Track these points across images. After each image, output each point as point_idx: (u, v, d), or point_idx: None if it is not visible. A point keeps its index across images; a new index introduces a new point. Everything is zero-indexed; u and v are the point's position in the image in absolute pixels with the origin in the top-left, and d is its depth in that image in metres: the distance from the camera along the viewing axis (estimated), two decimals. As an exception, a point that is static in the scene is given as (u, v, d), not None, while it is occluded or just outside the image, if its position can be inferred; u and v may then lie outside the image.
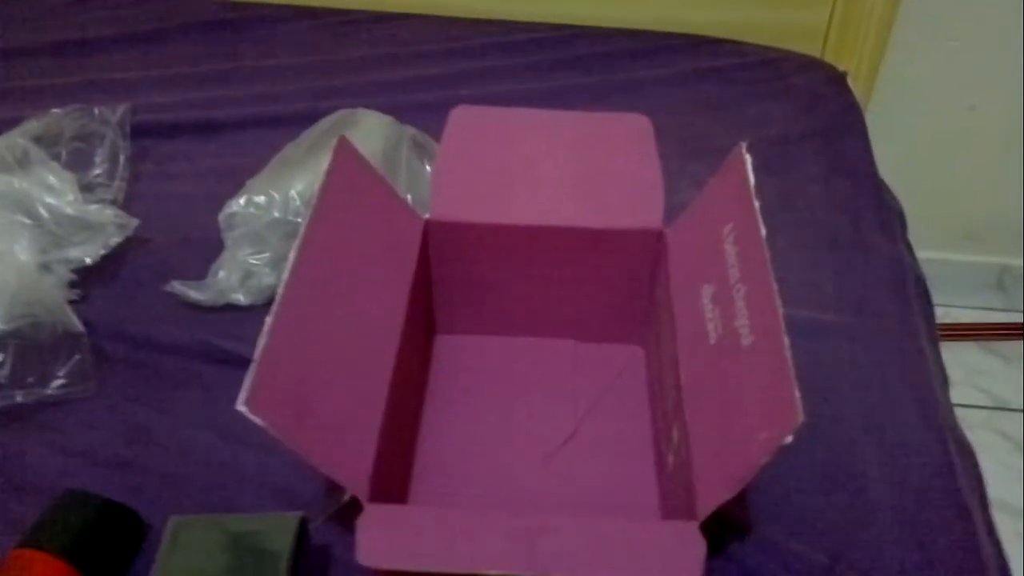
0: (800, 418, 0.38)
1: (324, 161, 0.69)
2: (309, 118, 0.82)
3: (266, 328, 0.44)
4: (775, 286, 0.45)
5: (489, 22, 1.08)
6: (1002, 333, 1.32)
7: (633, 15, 1.09)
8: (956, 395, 0.72)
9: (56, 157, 0.76)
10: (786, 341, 0.42)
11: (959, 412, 0.68)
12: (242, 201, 0.68)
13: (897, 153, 1.03)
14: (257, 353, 0.43)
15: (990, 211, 1.29)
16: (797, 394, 0.40)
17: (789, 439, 0.39)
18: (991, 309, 1.36)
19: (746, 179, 0.52)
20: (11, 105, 0.92)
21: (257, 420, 0.40)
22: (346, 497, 0.50)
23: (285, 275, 0.47)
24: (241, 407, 0.40)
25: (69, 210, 0.69)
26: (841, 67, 1.06)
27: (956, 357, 1.30)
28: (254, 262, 0.67)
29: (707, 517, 0.43)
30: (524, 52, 1.03)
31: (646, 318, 0.65)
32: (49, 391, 0.61)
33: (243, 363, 0.63)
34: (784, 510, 0.56)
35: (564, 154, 0.64)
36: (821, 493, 0.57)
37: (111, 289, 0.71)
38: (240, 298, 0.68)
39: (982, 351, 1.31)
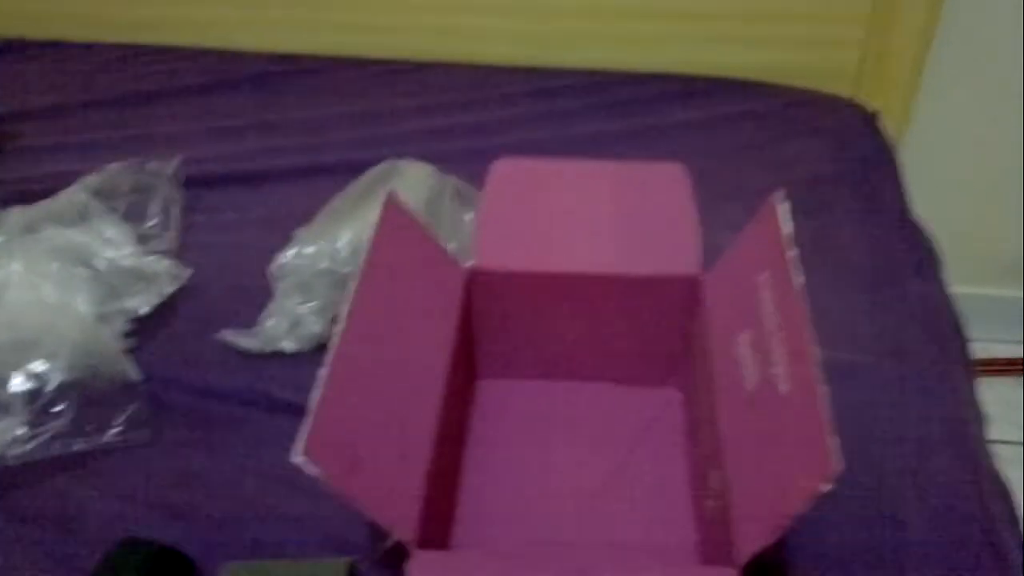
0: (838, 467, 0.39)
1: (370, 212, 0.71)
2: (352, 167, 0.85)
3: (320, 380, 0.46)
4: (811, 336, 0.46)
5: (526, 70, 1.11)
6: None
7: (663, 59, 1.11)
8: (994, 431, 0.72)
9: (114, 210, 0.79)
10: (823, 390, 0.43)
11: (998, 448, 0.68)
12: (292, 252, 0.70)
13: (932, 190, 1.04)
14: (311, 404, 0.44)
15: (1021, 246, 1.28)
16: (834, 443, 0.40)
17: (827, 488, 0.40)
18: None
19: (781, 228, 0.53)
20: (68, 159, 0.96)
21: (312, 470, 0.42)
22: (391, 542, 0.51)
23: (338, 327, 0.49)
24: (297, 458, 0.42)
25: (127, 262, 0.72)
26: (873, 107, 1.07)
27: (994, 393, 1.28)
28: (302, 311, 0.70)
29: (746, 562, 0.44)
30: (560, 99, 1.06)
31: (683, 362, 0.66)
32: (107, 439, 0.64)
33: (291, 409, 0.67)
34: (821, 552, 0.57)
35: (602, 203, 0.66)
36: (858, 535, 0.57)
37: (165, 338, 0.73)
38: (288, 345, 0.70)
39: (1019, 386, 1.30)
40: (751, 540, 0.43)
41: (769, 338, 0.50)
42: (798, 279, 0.50)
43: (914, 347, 0.72)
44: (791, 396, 0.46)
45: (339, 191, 0.81)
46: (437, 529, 0.54)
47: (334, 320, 0.71)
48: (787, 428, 0.45)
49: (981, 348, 1.18)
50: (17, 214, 0.77)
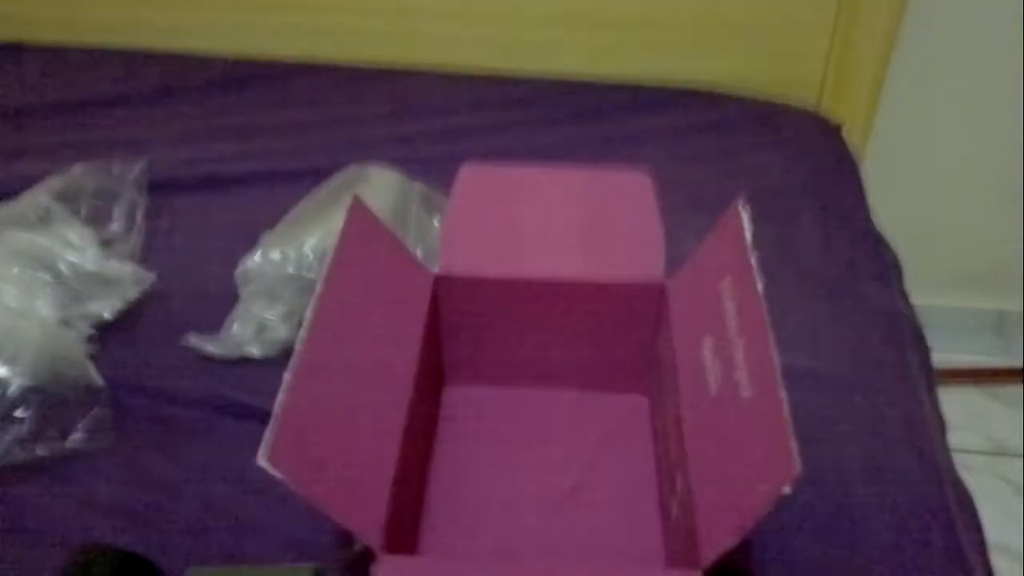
0: (798, 469, 0.40)
1: (336, 217, 0.71)
2: (319, 173, 0.85)
3: (284, 384, 0.46)
4: (772, 340, 0.47)
5: (494, 77, 1.11)
6: (1003, 378, 1.34)
7: (631, 69, 1.12)
8: (958, 439, 0.74)
9: (76, 213, 0.78)
10: (784, 394, 0.44)
11: (961, 457, 0.70)
12: (257, 257, 0.70)
13: (895, 202, 1.06)
14: (276, 409, 0.44)
15: (989, 257, 1.31)
16: (795, 446, 0.41)
17: (788, 490, 0.40)
18: (992, 355, 1.37)
19: (743, 235, 0.54)
20: (30, 161, 0.95)
21: (277, 474, 0.42)
22: (358, 547, 0.51)
23: (302, 332, 0.49)
24: (262, 462, 0.42)
25: (89, 266, 0.72)
26: (836, 119, 1.09)
27: (958, 401, 1.31)
28: (268, 316, 0.70)
29: (710, 565, 0.44)
30: (527, 106, 1.06)
31: (649, 368, 0.67)
32: (69, 444, 0.63)
33: (256, 415, 0.66)
34: (784, 557, 0.57)
35: (568, 210, 0.67)
36: (820, 540, 0.58)
37: (129, 343, 0.73)
38: (254, 351, 0.70)
39: (984, 395, 1.33)
40: (714, 543, 0.44)
41: (731, 343, 0.51)
42: (759, 284, 0.50)
43: (874, 354, 0.74)
44: (753, 400, 0.47)
45: (305, 196, 0.81)
46: (404, 534, 0.54)
47: (300, 326, 0.71)
48: (749, 432, 0.46)
49: (944, 358, 1.21)
50: (-23, 218, 0.76)
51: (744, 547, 0.57)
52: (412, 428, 0.55)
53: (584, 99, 1.08)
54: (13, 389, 0.62)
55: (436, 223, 0.77)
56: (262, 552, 0.58)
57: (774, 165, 0.98)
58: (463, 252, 0.64)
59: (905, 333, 0.77)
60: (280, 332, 0.70)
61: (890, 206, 0.99)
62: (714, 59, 1.12)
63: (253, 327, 0.70)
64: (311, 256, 0.70)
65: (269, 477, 0.42)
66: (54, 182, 0.82)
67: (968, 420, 1.27)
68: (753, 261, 0.52)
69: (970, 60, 1.13)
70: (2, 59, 1.16)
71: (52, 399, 0.63)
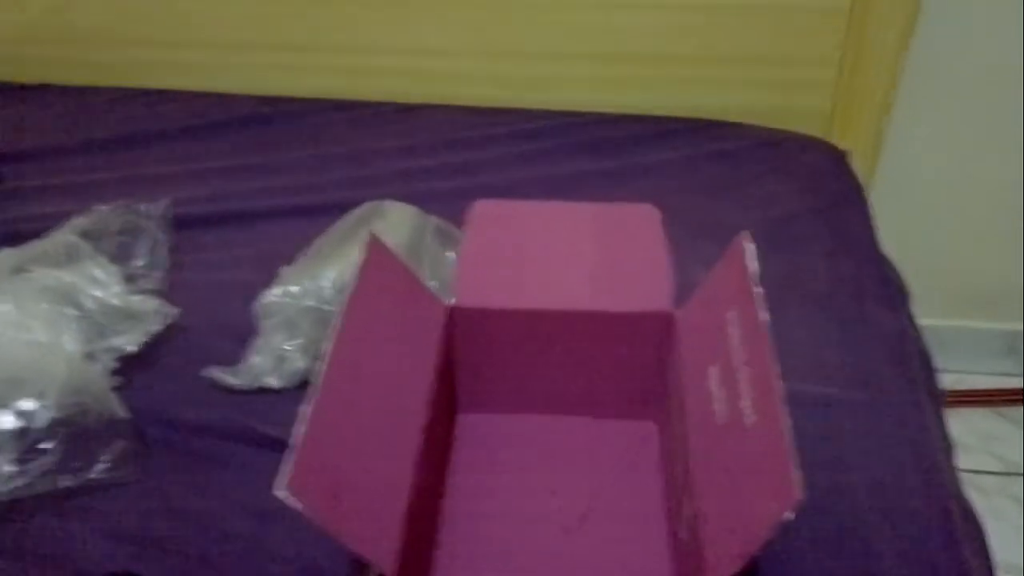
0: (800, 496, 0.41)
1: (353, 251, 0.73)
2: (337, 208, 0.87)
3: (302, 416, 0.47)
4: (776, 369, 0.48)
5: (506, 111, 1.14)
6: (1014, 399, 1.33)
7: (640, 101, 1.14)
8: (969, 461, 0.74)
9: (102, 250, 0.81)
10: (786, 422, 0.45)
11: (972, 478, 0.70)
12: (277, 290, 0.72)
13: (904, 226, 1.07)
14: (294, 439, 0.46)
15: (999, 279, 1.31)
16: (796, 473, 0.42)
17: (791, 516, 0.42)
18: (1004, 375, 1.37)
19: (747, 267, 0.55)
20: (58, 200, 0.97)
21: (294, 504, 0.43)
22: (373, 574, 0.53)
23: (321, 365, 0.50)
24: (279, 492, 0.43)
25: (114, 301, 0.74)
26: (844, 146, 1.10)
27: (969, 424, 1.31)
28: (287, 348, 0.71)
29: (717, 590, 0.45)
30: (538, 139, 1.08)
31: (658, 395, 0.68)
32: (94, 475, 0.65)
33: (276, 444, 0.68)
34: (793, 579, 0.58)
35: (579, 242, 0.68)
36: (828, 564, 0.59)
37: (152, 375, 0.75)
38: (273, 382, 0.72)
39: (995, 417, 1.32)
40: (720, 569, 0.45)
41: (736, 372, 0.52)
42: (764, 316, 0.52)
43: (883, 378, 0.74)
44: (756, 428, 0.48)
45: (324, 230, 0.83)
46: (417, 561, 0.55)
47: (318, 357, 0.73)
48: (753, 459, 0.47)
49: (956, 379, 1.21)
50: (6, 255, 0.78)
51: (752, 569, 0.58)
52: (426, 456, 0.56)
53: (594, 131, 1.10)
54: (39, 422, 0.64)
55: (450, 256, 0.79)
56: (281, 579, 0.59)
57: (782, 193, 0.99)
58: (476, 284, 0.66)
59: (912, 356, 0.78)
60: (299, 363, 0.71)
61: (899, 230, 1.00)
62: (722, 90, 1.13)
63: (272, 359, 0.71)
64: (330, 289, 0.72)
65: (286, 505, 0.44)
66: (80, 220, 0.84)
67: (979, 441, 1.27)
68: (757, 292, 0.53)
69: (976, 86, 1.14)
70: (28, 100, 1.20)
71: (77, 431, 0.65)
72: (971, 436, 1.25)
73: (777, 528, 0.42)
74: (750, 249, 0.56)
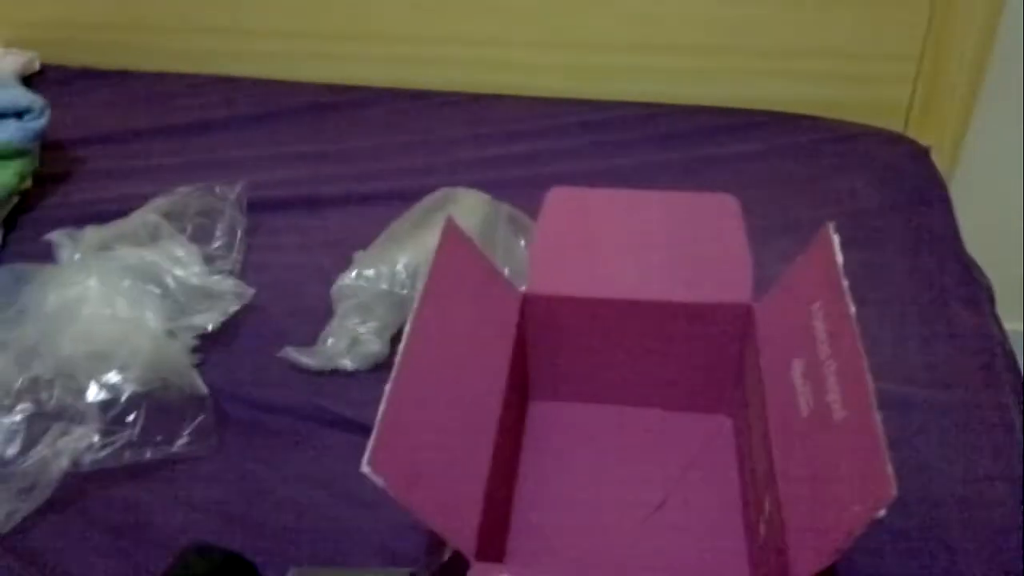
0: (894, 493, 0.40)
1: (427, 237, 0.74)
2: (407, 195, 0.88)
3: (384, 396, 0.48)
4: (866, 363, 0.47)
5: (578, 102, 1.13)
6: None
7: (715, 92, 1.12)
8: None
9: (182, 231, 0.82)
10: (878, 417, 0.44)
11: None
12: (353, 274, 0.73)
13: (982, 225, 1.03)
14: (377, 419, 0.46)
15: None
16: (890, 469, 0.41)
17: (882, 513, 0.40)
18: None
19: (834, 258, 0.54)
20: (136, 182, 1.00)
21: (378, 481, 0.44)
22: (447, 555, 0.53)
23: (401, 345, 0.51)
24: (365, 469, 0.43)
25: (194, 280, 0.75)
26: (924, 142, 1.07)
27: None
28: (362, 331, 0.72)
29: (801, 587, 0.44)
30: (610, 130, 1.07)
31: (734, 389, 0.67)
32: (175, 448, 0.66)
33: (349, 425, 0.69)
34: (873, 582, 0.57)
35: (655, 231, 0.68)
36: (908, 566, 0.58)
37: (228, 354, 0.76)
38: (347, 364, 0.72)
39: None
40: (806, 565, 0.44)
41: (822, 366, 0.51)
42: (851, 308, 0.51)
43: (966, 381, 0.72)
44: (846, 422, 0.47)
45: (394, 217, 0.84)
46: (493, 544, 0.55)
47: (392, 340, 0.74)
48: (842, 454, 0.46)
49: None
50: (92, 233, 0.80)
51: (830, 570, 0.57)
52: (501, 441, 0.56)
53: (666, 123, 1.09)
54: (124, 395, 0.65)
55: (522, 244, 0.79)
56: (353, 556, 0.60)
57: (861, 189, 0.97)
58: (550, 272, 0.65)
59: (999, 360, 0.75)
60: (373, 346, 0.72)
61: (981, 229, 0.97)
62: (799, 83, 1.11)
63: (347, 341, 0.72)
64: (404, 274, 0.72)
65: (361, 484, 0.44)
66: (160, 202, 0.86)
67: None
68: (844, 284, 0.52)
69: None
70: (110, 85, 1.23)
71: (159, 405, 0.66)
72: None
73: (867, 525, 0.41)
74: (836, 240, 0.55)
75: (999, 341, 0.78)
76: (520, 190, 0.88)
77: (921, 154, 1.04)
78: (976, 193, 1.16)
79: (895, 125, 1.10)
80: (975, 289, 0.83)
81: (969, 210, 0.99)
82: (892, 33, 1.06)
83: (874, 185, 0.97)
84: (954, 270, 0.85)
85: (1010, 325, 0.84)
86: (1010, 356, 0.79)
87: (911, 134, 1.10)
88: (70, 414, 0.64)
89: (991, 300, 0.85)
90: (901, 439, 0.65)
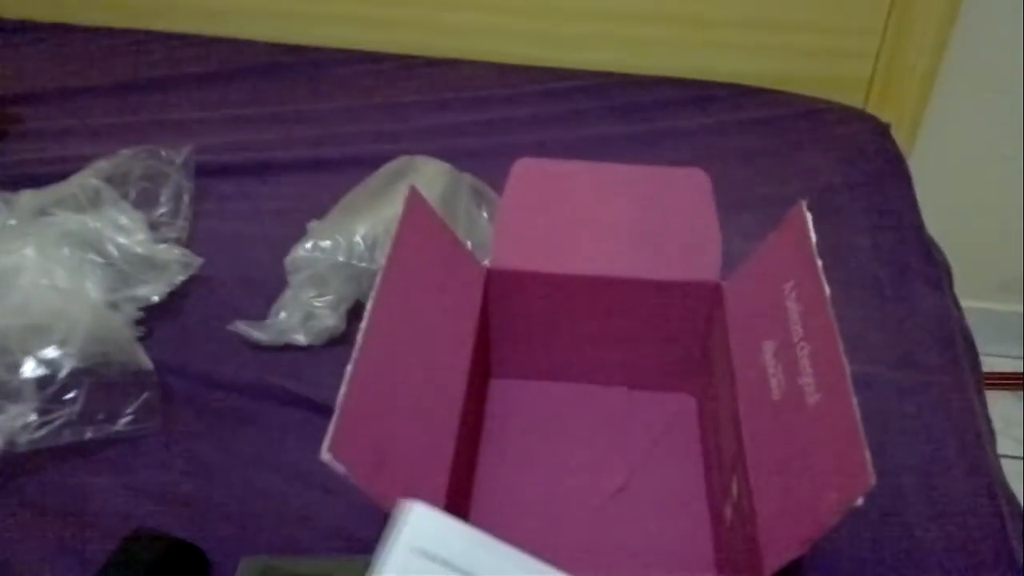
0: (872, 481, 0.39)
1: (386, 208, 0.71)
2: (364, 162, 0.85)
3: (346, 377, 0.45)
4: (841, 346, 0.46)
5: (540, 69, 1.11)
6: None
7: (677, 64, 1.11)
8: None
9: (125, 196, 0.78)
10: (854, 402, 0.43)
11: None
12: (309, 245, 0.70)
13: (936, 203, 1.04)
14: (338, 402, 0.44)
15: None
16: (868, 456, 0.40)
17: (860, 501, 0.40)
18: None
19: (807, 237, 0.53)
20: (76, 143, 0.95)
21: (340, 469, 0.41)
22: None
23: (363, 323, 0.48)
24: (325, 456, 0.41)
25: (138, 249, 0.71)
26: (885, 118, 1.07)
27: (992, 407, 1.29)
28: (316, 304, 0.69)
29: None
30: (572, 99, 1.05)
31: (699, 368, 0.66)
32: (118, 427, 0.63)
33: (303, 403, 0.66)
34: (834, 565, 0.57)
35: (623, 207, 0.66)
36: (871, 550, 0.57)
37: (175, 327, 0.73)
38: (301, 338, 0.70)
39: (1017, 400, 1.31)
40: (778, 552, 0.43)
41: (795, 347, 0.50)
42: (825, 288, 0.50)
43: (927, 359, 0.72)
44: (820, 406, 0.46)
45: (350, 185, 0.81)
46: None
47: (348, 314, 0.71)
48: (816, 439, 0.45)
49: (982, 362, 1.17)
50: (28, 197, 0.76)
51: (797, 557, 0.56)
52: (465, 422, 0.54)
53: (628, 94, 1.07)
54: (63, 371, 0.62)
55: (485, 216, 0.76)
56: (307, 540, 0.58)
57: (822, 165, 0.96)
58: (515, 246, 0.63)
59: (956, 338, 0.76)
60: (327, 320, 0.69)
61: (936, 207, 0.98)
62: (761, 56, 1.10)
63: (300, 315, 0.69)
64: (361, 245, 0.69)
65: (316, 466, 0.42)
66: (103, 165, 0.82)
67: (1003, 426, 1.25)
68: (819, 264, 0.51)
69: (1019, 60, 1.10)
70: (49, 39, 1.17)
71: (101, 382, 0.63)
72: (994, 421, 1.23)
73: (844, 513, 0.40)
74: (810, 219, 0.54)
75: (957, 320, 0.78)
76: (479, 159, 0.85)
77: (882, 131, 1.04)
78: (934, 171, 1.17)
79: (856, 101, 1.10)
80: (935, 269, 0.83)
81: (927, 188, 0.99)
82: (855, 7, 1.05)
83: (835, 161, 0.97)
84: (915, 248, 0.85)
85: (966, 303, 0.84)
86: (968, 336, 0.79)
87: (871, 110, 1.10)
88: (4, 391, 0.60)
89: (950, 279, 0.85)
90: (862, 419, 0.65)
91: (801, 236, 0.54)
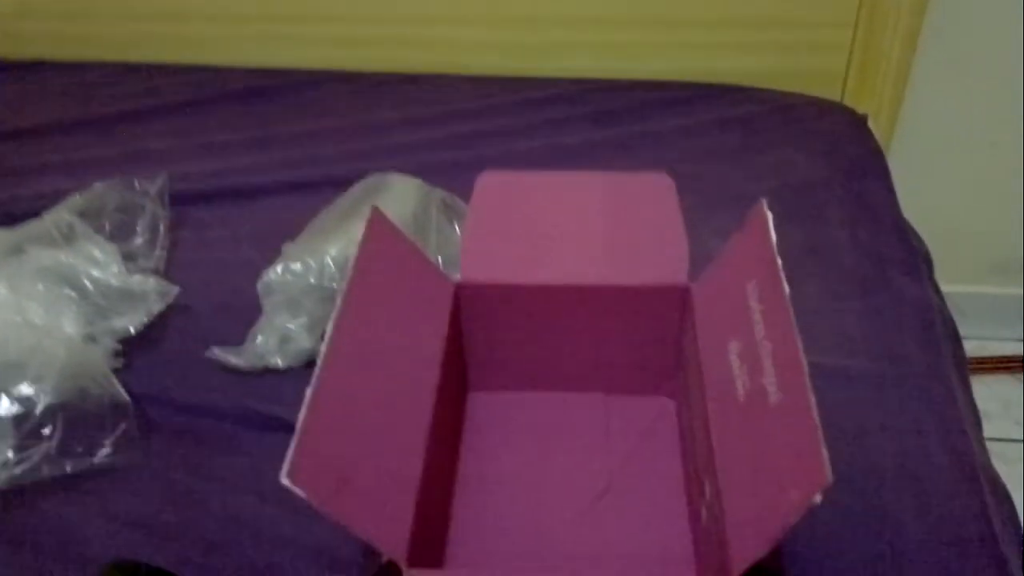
0: (829, 480, 0.39)
1: (357, 227, 0.70)
2: (340, 181, 0.85)
3: (306, 400, 0.45)
4: (800, 345, 0.46)
5: (512, 79, 1.11)
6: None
7: (650, 67, 1.11)
8: (993, 429, 0.72)
9: (100, 229, 0.79)
10: (813, 400, 0.43)
11: (997, 447, 0.68)
12: (279, 269, 0.70)
13: (923, 191, 1.04)
14: (298, 425, 0.44)
15: (1020, 243, 1.28)
16: (825, 455, 0.40)
17: (818, 499, 0.39)
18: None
19: (767, 236, 0.53)
20: (53, 178, 0.95)
21: (299, 492, 0.41)
22: (384, 559, 0.51)
23: (323, 346, 0.48)
24: (284, 480, 0.41)
25: (114, 282, 0.72)
26: (861, 110, 1.07)
27: (992, 391, 1.29)
28: (291, 327, 0.69)
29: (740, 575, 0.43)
30: (546, 109, 1.06)
31: (675, 371, 0.66)
32: (97, 460, 0.63)
33: (281, 426, 0.66)
34: (817, 558, 0.56)
35: (590, 214, 0.66)
36: (855, 540, 0.57)
37: (154, 357, 0.73)
38: (278, 362, 0.70)
39: (1018, 383, 1.30)
40: (744, 553, 0.43)
41: (758, 347, 0.50)
42: (786, 288, 0.49)
43: (907, 350, 0.72)
44: (781, 406, 0.46)
45: (325, 206, 0.81)
46: (430, 546, 0.54)
47: (323, 336, 0.71)
48: (778, 438, 0.45)
49: (977, 346, 1.18)
50: (2, 235, 0.76)
51: (775, 549, 0.56)
52: (436, 438, 0.54)
53: (603, 99, 1.07)
54: (39, 407, 0.62)
55: (457, 230, 0.76)
56: (289, 565, 0.58)
57: (800, 160, 0.96)
58: (484, 259, 0.63)
59: (937, 327, 0.75)
60: (304, 342, 0.69)
61: (918, 195, 0.98)
62: (735, 54, 1.10)
63: (276, 338, 0.70)
64: (333, 267, 0.70)
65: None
66: (76, 199, 0.82)
67: (1004, 408, 1.25)
68: (779, 263, 0.51)
69: (993, 49, 1.10)
70: (24, 77, 1.18)
71: (78, 416, 0.63)
72: (994, 403, 1.23)
73: (804, 512, 0.40)
74: (770, 217, 0.54)
75: (938, 308, 0.78)
76: (454, 174, 0.85)
77: (859, 123, 1.04)
78: (915, 158, 1.16)
79: (832, 94, 1.10)
80: (914, 258, 0.83)
81: (908, 175, 0.99)
82: (826, 0, 1.05)
83: (812, 155, 0.97)
84: (893, 240, 0.85)
85: (948, 288, 0.84)
86: (949, 323, 0.79)
87: (848, 103, 1.10)
88: (-20, 430, 0.61)
89: (929, 268, 0.85)
90: (843, 412, 0.65)
91: (762, 234, 0.54)
